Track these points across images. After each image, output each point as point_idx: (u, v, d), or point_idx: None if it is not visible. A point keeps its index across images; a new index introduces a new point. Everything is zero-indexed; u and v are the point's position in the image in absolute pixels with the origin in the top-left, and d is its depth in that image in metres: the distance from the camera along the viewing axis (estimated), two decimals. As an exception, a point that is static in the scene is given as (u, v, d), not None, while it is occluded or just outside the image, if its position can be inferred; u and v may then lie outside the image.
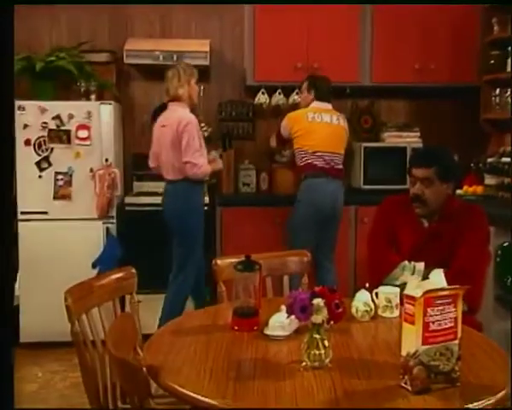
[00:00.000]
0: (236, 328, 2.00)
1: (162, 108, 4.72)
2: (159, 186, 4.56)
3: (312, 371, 1.65)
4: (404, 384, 1.55)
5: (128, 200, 4.34)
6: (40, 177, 4.08)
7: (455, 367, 1.57)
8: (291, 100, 4.59)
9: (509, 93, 4.20)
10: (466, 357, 1.64)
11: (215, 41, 4.70)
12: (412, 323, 1.53)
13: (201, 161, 3.62)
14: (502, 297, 3.51)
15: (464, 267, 2.41)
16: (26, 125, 4.04)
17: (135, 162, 4.70)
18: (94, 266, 4.02)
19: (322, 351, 1.68)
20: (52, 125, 4.06)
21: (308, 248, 3.25)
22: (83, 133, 4.08)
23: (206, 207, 3.95)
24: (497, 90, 4.29)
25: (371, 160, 4.53)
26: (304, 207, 3.90)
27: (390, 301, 2.14)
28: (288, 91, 4.59)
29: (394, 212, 2.70)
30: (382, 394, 1.55)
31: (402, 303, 1.64)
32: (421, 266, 2.48)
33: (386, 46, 4.47)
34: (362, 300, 2.13)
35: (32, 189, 4.08)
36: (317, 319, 1.69)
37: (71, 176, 4.11)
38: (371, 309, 2.12)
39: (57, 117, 4.06)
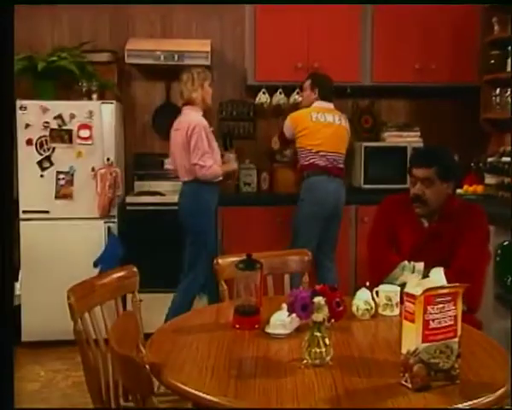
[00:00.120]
0: (238, 326, 2.01)
1: (163, 107, 4.78)
2: (160, 186, 4.60)
3: (313, 369, 1.66)
4: (404, 382, 1.56)
5: (129, 199, 4.35)
6: (42, 176, 4.09)
7: (455, 365, 1.58)
8: (292, 100, 4.60)
9: (509, 93, 4.21)
10: (466, 355, 1.65)
11: (216, 41, 4.71)
12: (412, 321, 1.54)
13: (209, 163, 3.68)
14: (502, 296, 3.52)
15: (464, 267, 2.42)
16: (27, 125, 4.05)
17: (136, 162, 4.72)
18: (95, 265, 4.04)
19: (323, 349, 1.69)
20: (54, 124, 4.08)
21: (310, 246, 3.27)
22: (84, 133, 4.10)
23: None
24: (498, 90, 4.30)
25: (372, 159, 4.54)
26: (307, 205, 3.92)
27: (390, 300, 2.15)
28: (288, 91, 4.60)
29: (394, 211, 2.71)
30: (383, 391, 1.56)
31: (402, 302, 1.66)
32: (420, 266, 2.48)
33: (387, 46, 4.48)
34: (362, 298, 2.14)
35: (33, 188, 4.09)
36: (318, 317, 1.70)
37: (72, 175, 4.12)
38: (372, 308, 2.13)
39: (59, 117, 4.07)
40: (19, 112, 4.02)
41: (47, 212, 4.12)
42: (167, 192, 4.49)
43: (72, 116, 4.08)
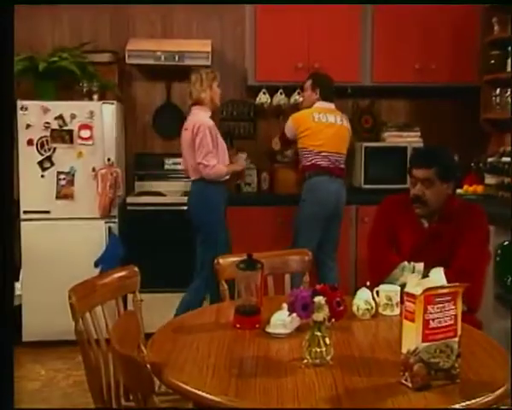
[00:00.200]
0: (238, 326, 2.02)
1: (164, 108, 4.79)
2: (160, 186, 4.61)
3: (314, 369, 1.67)
4: (404, 381, 1.57)
5: (130, 199, 4.35)
6: (42, 176, 4.10)
7: (455, 364, 1.59)
8: (292, 100, 4.60)
9: (509, 93, 4.21)
10: (466, 355, 1.66)
11: (216, 41, 4.71)
12: (412, 320, 1.55)
13: (213, 162, 3.71)
14: (502, 296, 3.53)
15: (464, 267, 2.42)
16: (28, 125, 4.06)
17: (137, 162, 4.73)
18: (96, 265, 4.04)
19: (324, 348, 1.69)
20: (54, 125, 4.08)
21: (311, 246, 3.27)
22: (85, 133, 4.10)
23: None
24: (498, 90, 4.30)
25: (372, 159, 4.54)
26: (309, 205, 3.93)
27: (390, 300, 2.16)
28: (289, 91, 4.60)
29: (394, 212, 2.71)
30: (383, 390, 1.56)
31: (402, 301, 1.66)
32: (420, 266, 2.49)
33: (387, 46, 4.49)
34: (363, 298, 2.15)
35: (34, 188, 4.10)
36: (319, 316, 1.71)
37: (73, 175, 4.13)
38: (372, 307, 2.14)
39: (60, 117, 4.08)
40: (20, 112, 4.03)
41: (48, 212, 4.13)
42: (168, 192, 4.50)
43: (73, 116, 4.09)
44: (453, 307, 1.58)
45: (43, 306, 4.03)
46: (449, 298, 1.57)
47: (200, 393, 1.54)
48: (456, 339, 1.59)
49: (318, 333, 1.70)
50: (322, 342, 1.70)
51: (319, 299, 1.75)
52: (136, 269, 2.34)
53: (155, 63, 4.39)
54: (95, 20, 4.69)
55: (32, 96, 4.16)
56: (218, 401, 1.50)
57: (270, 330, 1.95)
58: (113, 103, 4.19)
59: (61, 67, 4.14)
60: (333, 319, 1.89)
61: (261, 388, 1.56)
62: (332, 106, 4.06)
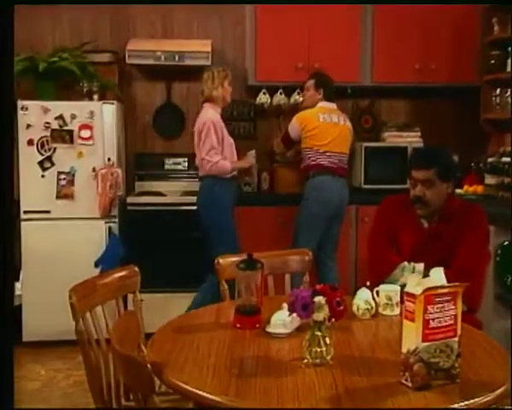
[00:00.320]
0: (239, 326, 2.02)
1: (164, 108, 4.79)
2: (160, 186, 4.61)
3: (314, 368, 1.67)
4: (404, 381, 1.57)
5: (130, 199, 4.35)
6: (43, 176, 4.10)
7: (455, 364, 1.59)
8: (292, 100, 4.60)
9: (509, 93, 4.21)
10: (466, 354, 1.66)
11: (216, 41, 4.72)
12: (412, 320, 1.55)
13: (216, 159, 3.74)
14: (502, 296, 3.53)
15: (464, 267, 2.43)
16: (28, 126, 4.06)
17: (137, 162, 4.73)
18: (96, 265, 4.05)
19: (324, 348, 1.70)
20: (55, 125, 4.08)
21: (311, 246, 3.27)
22: (85, 133, 4.10)
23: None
24: (498, 90, 4.30)
25: (372, 159, 4.55)
26: (311, 204, 3.93)
27: (390, 299, 2.16)
28: (289, 91, 4.60)
29: (394, 212, 2.71)
30: (383, 390, 1.56)
31: (402, 301, 1.66)
32: (420, 266, 2.49)
33: (387, 46, 4.49)
34: (363, 298, 2.15)
35: (34, 188, 4.10)
36: (319, 316, 1.71)
37: (73, 175, 4.13)
38: (372, 307, 2.14)
39: (60, 117, 4.08)
40: (20, 112, 4.03)
41: (48, 212, 4.13)
42: (168, 192, 4.50)
43: (73, 116, 4.09)
44: (453, 306, 1.58)
45: (43, 306, 4.04)
46: (449, 298, 1.57)
47: (200, 393, 1.54)
48: (456, 339, 1.60)
49: (318, 333, 1.70)
50: (322, 341, 1.70)
51: (319, 299, 1.75)
52: (137, 269, 2.34)
53: (155, 63, 4.39)
54: (95, 20, 4.69)
55: (33, 96, 4.16)
56: (218, 400, 1.51)
57: (270, 329, 1.95)
58: (113, 103, 4.19)
59: (61, 67, 4.14)
60: (333, 319, 1.89)
61: (261, 388, 1.56)
62: (334, 106, 4.07)
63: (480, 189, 4.35)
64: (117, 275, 2.28)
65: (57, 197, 4.12)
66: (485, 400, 1.52)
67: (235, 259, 2.29)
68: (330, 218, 3.96)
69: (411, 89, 4.71)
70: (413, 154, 2.94)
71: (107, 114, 4.14)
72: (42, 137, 4.08)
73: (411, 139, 4.60)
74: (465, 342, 1.64)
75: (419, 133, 4.67)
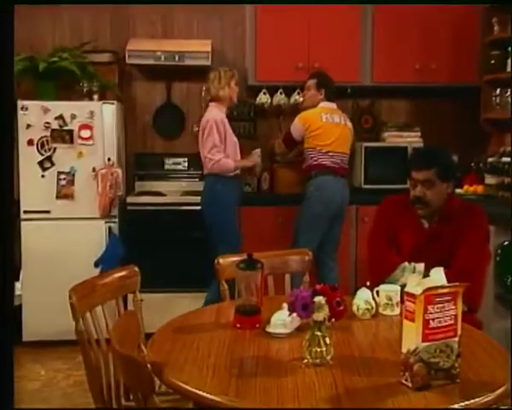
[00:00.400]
0: (239, 326, 2.02)
1: (164, 107, 4.79)
2: (160, 186, 4.61)
3: (314, 368, 1.67)
4: (404, 381, 1.57)
5: (130, 199, 4.35)
6: (43, 176, 4.10)
7: (455, 364, 1.59)
8: (292, 100, 4.60)
9: (509, 93, 4.21)
10: (466, 355, 1.66)
11: (216, 41, 4.71)
12: (412, 320, 1.55)
13: (217, 157, 3.76)
14: (502, 296, 3.53)
15: (464, 267, 2.43)
16: (28, 126, 4.06)
17: (137, 162, 4.73)
18: (96, 265, 4.04)
19: (324, 348, 1.70)
20: (55, 125, 4.08)
21: (312, 246, 3.26)
22: (85, 133, 4.10)
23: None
24: (498, 90, 4.30)
25: (372, 159, 4.54)
26: (313, 204, 3.93)
27: (391, 299, 2.16)
28: (289, 91, 4.60)
29: (394, 212, 2.71)
30: (383, 390, 1.56)
31: (403, 301, 1.66)
32: (421, 266, 2.48)
33: (387, 46, 4.49)
34: (363, 298, 2.15)
35: (34, 188, 4.10)
36: (319, 316, 1.71)
37: (73, 175, 4.13)
38: (372, 307, 2.14)
39: (60, 117, 4.08)
40: (20, 112, 4.03)
41: (48, 212, 4.13)
42: (168, 192, 4.50)
43: (73, 116, 4.09)
44: (453, 307, 1.58)
45: (43, 306, 4.04)
46: (449, 298, 1.57)
47: (200, 393, 1.54)
48: (456, 339, 1.60)
49: (318, 333, 1.70)
50: (322, 341, 1.70)
51: (319, 299, 1.75)
52: (137, 269, 2.34)
53: (155, 63, 4.39)
54: (95, 20, 4.69)
55: (33, 96, 4.16)
56: (218, 400, 1.51)
57: (270, 329, 1.95)
58: (113, 103, 4.19)
59: (61, 67, 4.14)
60: (333, 319, 1.89)
61: (261, 388, 1.56)
62: (335, 106, 4.07)
63: (480, 189, 4.35)
64: (117, 275, 2.28)
65: (57, 197, 4.12)
66: (486, 400, 1.52)
67: (235, 259, 2.29)
68: (331, 218, 3.96)
69: (411, 89, 4.71)
70: (413, 154, 2.94)
71: (107, 113, 4.14)
72: (42, 137, 4.08)
73: (411, 139, 4.60)
74: (465, 342, 1.64)
75: (419, 133, 4.66)
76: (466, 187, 4.37)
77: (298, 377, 1.63)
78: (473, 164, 4.51)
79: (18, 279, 4.15)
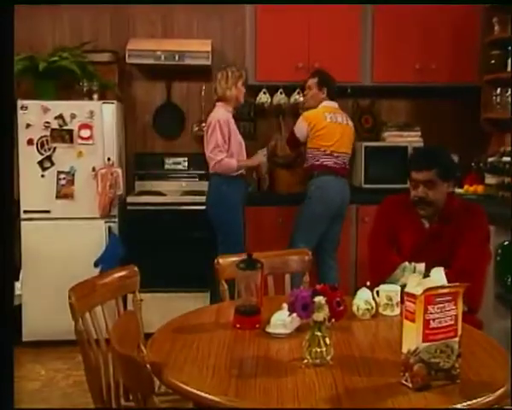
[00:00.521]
0: (238, 326, 2.01)
1: (164, 107, 4.79)
2: (160, 186, 4.61)
3: (314, 369, 1.67)
4: (404, 381, 1.56)
5: (130, 199, 4.35)
6: (43, 176, 4.10)
7: (455, 364, 1.59)
8: (292, 100, 4.60)
9: (509, 93, 4.21)
10: (466, 355, 1.66)
11: (216, 41, 4.71)
12: (413, 320, 1.54)
13: (220, 157, 3.76)
14: (502, 296, 3.53)
15: (465, 267, 2.42)
16: (28, 125, 4.05)
17: (137, 162, 4.73)
18: (96, 265, 4.04)
19: (324, 348, 1.69)
20: (55, 124, 4.08)
21: (311, 245, 3.26)
22: (85, 133, 4.10)
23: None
24: (498, 90, 4.30)
25: (372, 159, 4.54)
26: (314, 204, 3.93)
27: (391, 300, 2.16)
28: (289, 91, 4.60)
29: (395, 212, 2.70)
30: (383, 391, 1.56)
31: (403, 301, 1.66)
32: (421, 266, 2.48)
33: (387, 46, 4.48)
34: (363, 298, 2.14)
35: (34, 188, 4.09)
36: (319, 316, 1.71)
37: (73, 175, 4.12)
38: (372, 307, 2.14)
39: (60, 116, 4.08)
40: (20, 112, 4.03)
41: (48, 212, 4.12)
42: (168, 192, 4.50)
43: (73, 116, 4.09)
44: (454, 307, 1.58)
45: (43, 306, 4.04)
46: (449, 298, 1.57)
47: (199, 393, 1.54)
48: (457, 339, 1.59)
49: (318, 333, 1.70)
50: (322, 342, 1.69)
51: (319, 299, 1.74)
52: (136, 269, 2.34)
53: (155, 63, 4.40)
54: (95, 20, 4.69)
55: (32, 95, 4.16)
56: (217, 401, 1.50)
57: (270, 330, 1.95)
58: (113, 103, 4.18)
59: (61, 66, 4.14)
60: (333, 319, 1.89)
61: (261, 388, 1.56)
62: (336, 105, 4.07)
63: (480, 189, 4.35)
64: (116, 275, 2.28)
65: (57, 197, 4.12)
66: (486, 400, 1.52)
67: (234, 259, 2.29)
68: (331, 217, 3.96)
69: (411, 89, 4.70)
70: (413, 154, 2.93)
71: (106, 113, 4.14)
72: (42, 137, 4.08)
73: (411, 139, 4.60)
74: (465, 343, 1.64)
75: (419, 133, 4.66)
76: (466, 187, 4.37)
77: (298, 377, 1.63)
78: (473, 164, 4.51)
79: (18, 279, 4.15)
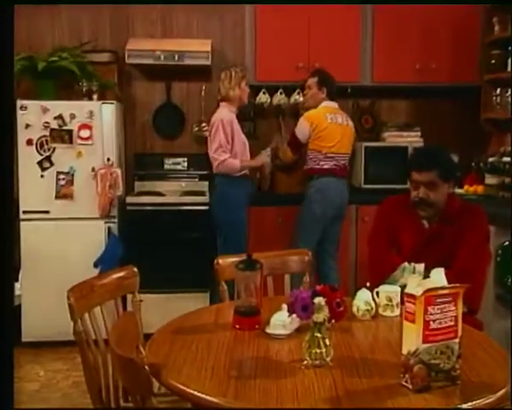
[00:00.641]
0: (238, 327, 2.01)
1: (164, 107, 4.78)
2: (160, 186, 4.60)
3: (313, 370, 1.66)
4: (404, 383, 1.56)
5: (129, 199, 4.34)
6: (42, 176, 4.09)
7: (455, 366, 1.58)
8: (292, 100, 4.60)
9: (509, 93, 4.21)
10: (466, 356, 1.65)
11: (216, 41, 4.71)
12: (413, 321, 1.54)
13: (222, 157, 3.76)
14: (502, 296, 3.52)
15: (465, 268, 2.42)
16: (28, 125, 4.05)
17: (136, 162, 4.72)
18: (95, 265, 4.03)
19: (324, 350, 1.69)
20: (54, 124, 4.07)
21: (312, 246, 3.25)
22: (84, 133, 4.09)
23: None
24: (498, 90, 4.30)
25: (372, 159, 4.54)
26: (314, 206, 3.92)
27: (391, 300, 2.15)
28: (289, 91, 4.59)
29: (395, 212, 2.70)
30: (383, 392, 1.55)
31: (403, 302, 1.65)
32: (421, 267, 2.47)
33: (387, 46, 4.48)
34: (363, 299, 2.14)
35: (33, 188, 4.09)
36: (319, 317, 1.70)
37: (73, 175, 4.12)
38: (372, 308, 2.13)
39: (59, 117, 4.07)
40: (19, 112, 4.02)
41: (47, 212, 4.12)
42: (168, 192, 4.50)
43: (73, 116, 4.08)
44: (454, 307, 1.57)
45: (42, 306, 4.03)
46: (449, 299, 1.57)
47: (198, 394, 1.53)
48: (457, 340, 1.59)
49: (318, 334, 1.69)
50: (322, 343, 1.69)
51: (319, 300, 1.74)
52: (135, 269, 2.33)
53: (155, 63, 4.39)
54: (94, 20, 4.68)
55: (32, 95, 4.16)
56: (216, 402, 1.50)
57: (269, 331, 1.94)
58: (112, 103, 4.18)
59: (60, 66, 4.13)
60: (333, 320, 1.89)
61: (260, 389, 1.55)
62: (336, 105, 4.06)
63: (480, 189, 4.34)
64: (115, 276, 2.27)
65: (56, 197, 4.11)
66: (486, 401, 1.51)
67: (234, 259, 2.28)
68: (331, 218, 3.96)
69: (411, 89, 4.70)
70: (413, 155, 2.92)
71: (106, 113, 4.14)
72: (41, 137, 4.07)
73: (411, 139, 4.59)
74: (465, 344, 1.64)
75: (419, 133, 4.66)
76: (466, 187, 4.37)
77: (297, 378, 1.62)
78: (473, 164, 4.50)
79: (17, 279, 4.14)
